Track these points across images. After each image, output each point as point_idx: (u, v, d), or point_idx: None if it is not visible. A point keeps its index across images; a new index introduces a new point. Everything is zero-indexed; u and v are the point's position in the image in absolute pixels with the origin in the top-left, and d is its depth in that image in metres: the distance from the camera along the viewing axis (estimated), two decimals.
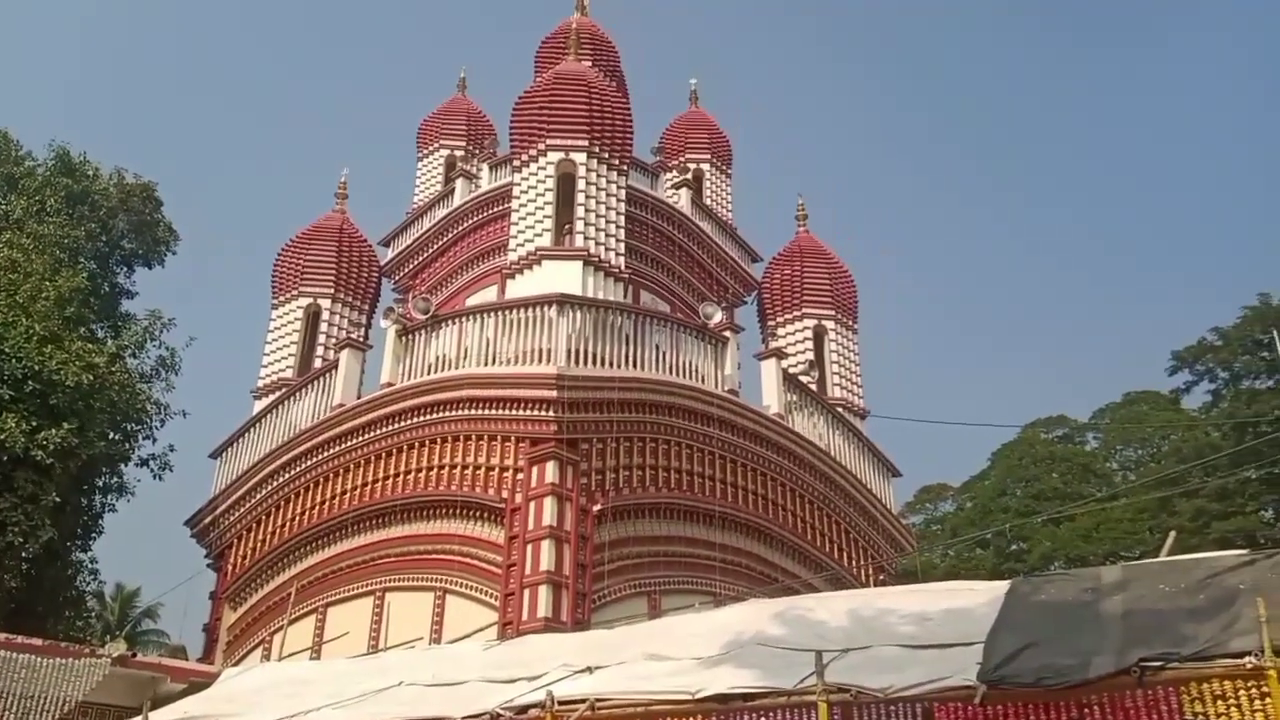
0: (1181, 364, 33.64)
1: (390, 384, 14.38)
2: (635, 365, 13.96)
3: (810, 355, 18.37)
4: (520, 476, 12.95)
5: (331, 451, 14.75)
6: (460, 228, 19.15)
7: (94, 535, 15.78)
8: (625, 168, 16.74)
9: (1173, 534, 10.47)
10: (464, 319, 14.62)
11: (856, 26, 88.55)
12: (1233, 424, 29.61)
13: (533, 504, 12.64)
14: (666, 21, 78.25)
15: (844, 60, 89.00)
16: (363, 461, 14.40)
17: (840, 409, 17.35)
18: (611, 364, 13.80)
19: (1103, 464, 39.59)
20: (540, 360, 13.56)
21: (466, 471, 13.41)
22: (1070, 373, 67.98)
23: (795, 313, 19.06)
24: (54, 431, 12.72)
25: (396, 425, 14.14)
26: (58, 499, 13.04)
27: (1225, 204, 72.87)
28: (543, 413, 13.11)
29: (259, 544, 15.56)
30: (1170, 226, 75.53)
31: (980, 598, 7.26)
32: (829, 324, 18.94)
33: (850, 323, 19.33)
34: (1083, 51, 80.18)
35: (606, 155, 16.23)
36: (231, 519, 16.14)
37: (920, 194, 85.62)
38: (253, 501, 15.81)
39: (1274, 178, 69.66)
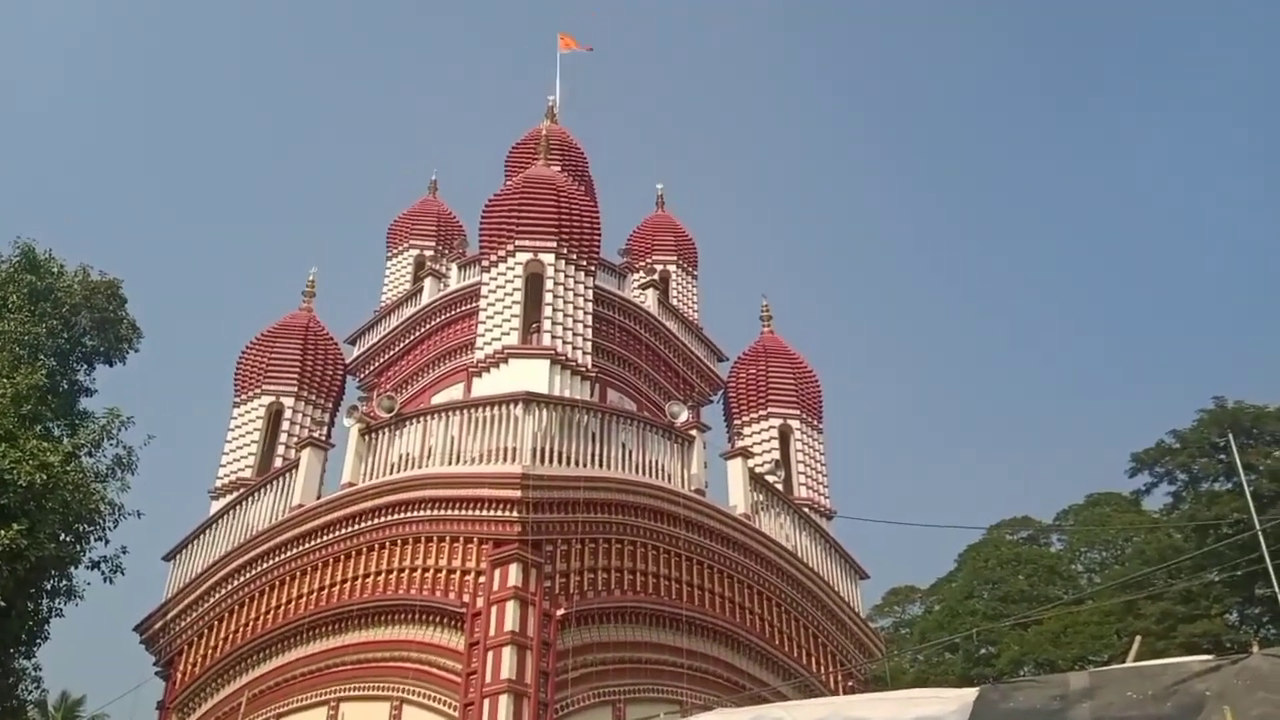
0: (1141, 466, 34.04)
1: (351, 484, 14.15)
2: (601, 464, 13.88)
3: (776, 454, 18.37)
4: (482, 580, 12.68)
5: (288, 554, 14.40)
6: (428, 326, 19.22)
7: (39, 641, 15.15)
8: (593, 268, 16.97)
9: (1138, 638, 10.41)
10: (428, 417, 14.52)
11: (823, 128, 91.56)
12: (1194, 526, 29.85)
13: (494, 608, 12.34)
14: (635, 128, 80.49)
15: (812, 158, 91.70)
16: (320, 565, 14.06)
17: (806, 509, 17.30)
18: (577, 463, 13.70)
19: (1068, 566, 39.64)
20: (505, 459, 13.44)
21: (427, 575, 13.11)
22: (1034, 472, 68.64)
23: (761, 412, 19.14)
24: (2, 533, 12.33)
25: (356, 527, 13.87)
26: (2, 604, 12.55)
27: (1188, 304, 74.98)
28: (506, 513, 12.92)
29: (210, 651, 15.04)
30: (1133, 326, 77.41)
31: (950, 705, 7.14)
32: (794, 423, 19.02)
33: (815, 422, 19.43)
34: (1053, 146, 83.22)
35: (574, 256, 16.46)
36: (182, 624, 15.61)
37: (886, 294, 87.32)
38: (205, 606, 15.34)
39: (1239, 282, 71.93)
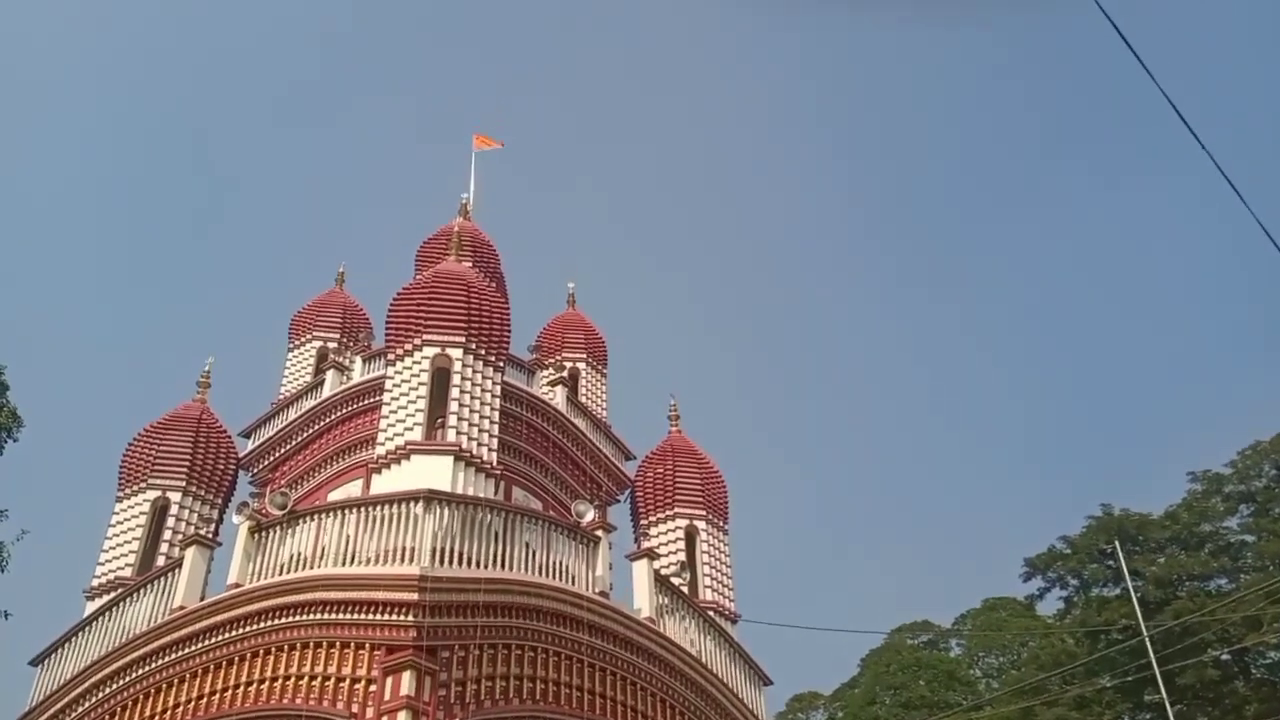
0: (1034, 570, 34.87)
1: (237, 584, 13.42)
2: (504, 565, 13.49)
3: (682, 556, 18.19)
4: (373, 689, 12.05)
5: (167, 659, 13.48)
6: (328, 419, 18.68)
7: None
8: (501, 364, 16.84)
9: None
10: (323, 515, 13.96)
11: (736, 229, 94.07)
12: (1085, 631, 30.52)
13: (385, 719, 11.73)
14: (548, 228, 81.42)
15: (725, 258, 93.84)
16: (201, 671, 13.18)
17: (711, 612, 17.08)
18: (479, 564, 13.30)
19: (966, 671, 39.99)
20: (403, 560, 12.96)
21: (314, 683, 12.37)
22: (934, 576, 69.54)
23: (668, 512, 19.00)
24: None
25: (241, 630, 13.10)
26: None
27: (1076, 411, 78.11)
28: (402, 617, 12.38)
29: None
30: (1027, 434, 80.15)
31: None
32: (701, 524, 18.92)
33: (721, 523, 19.37)
34: (945, 270, 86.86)
35: (483, 351, 16.32)
36: None
37: (790, 401, 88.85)
38: (75, 714, 14.19)
39: (1116, 389, 75.37)
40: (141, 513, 17.25)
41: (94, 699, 14.03)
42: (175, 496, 17.48)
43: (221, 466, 18.34)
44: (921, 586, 70.88)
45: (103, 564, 16.76)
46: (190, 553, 14.40)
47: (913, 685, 37.87)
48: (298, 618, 12.85)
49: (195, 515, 17.49)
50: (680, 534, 18.72)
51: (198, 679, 13.14)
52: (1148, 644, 20.58)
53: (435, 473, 14.50)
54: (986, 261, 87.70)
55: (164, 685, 13.41)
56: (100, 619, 14.94)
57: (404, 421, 15.37)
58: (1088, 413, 78.15)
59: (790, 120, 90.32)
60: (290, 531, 13.82)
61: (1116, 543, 29.44)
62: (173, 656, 13.43)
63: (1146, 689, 28.01)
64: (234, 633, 13.11)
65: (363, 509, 13.76)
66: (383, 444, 15.32)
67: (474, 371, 16.04)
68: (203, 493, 17.84)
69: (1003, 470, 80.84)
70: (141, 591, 14.71)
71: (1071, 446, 77.41)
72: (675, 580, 16.53)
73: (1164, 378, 78.03)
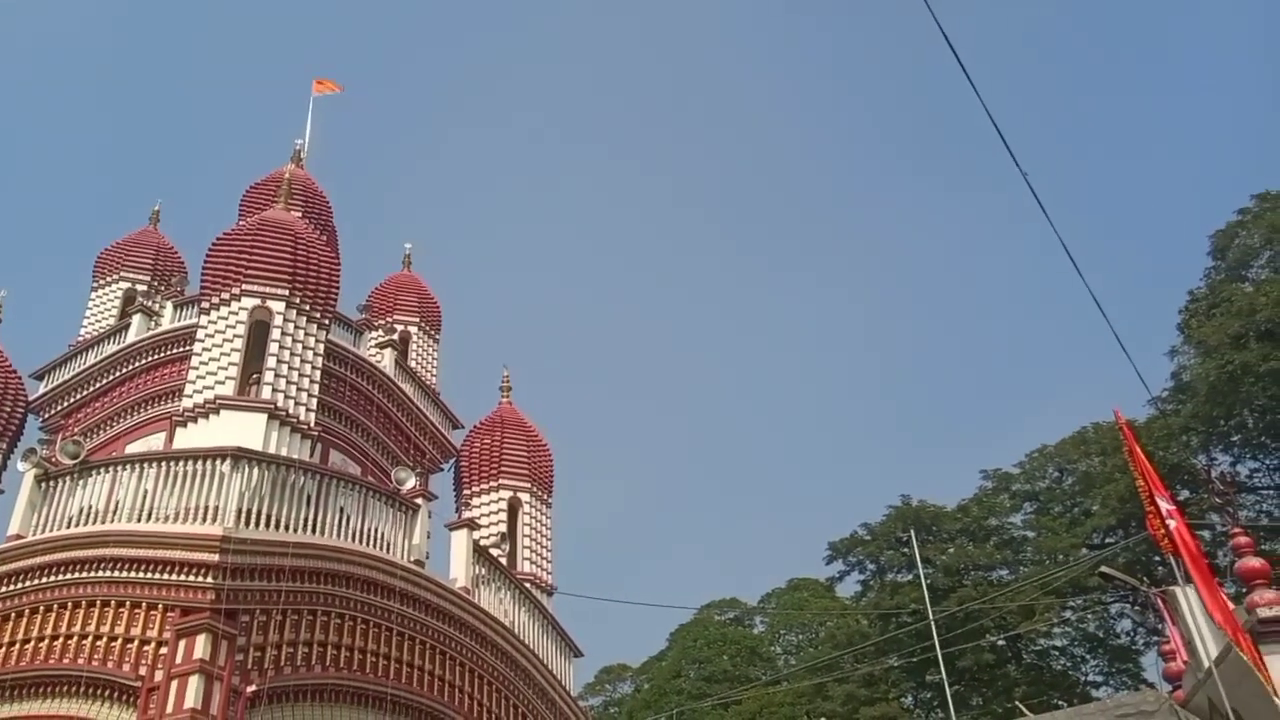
0: (836, 554, 36.69)
1: (19, 536, 12.53)
2: (315, 530, 13.08)
3: (504, 527, 18.12)
4: (164, 651, 11.46)
5: None
6: (131, 366, 17.52)
7: None
8: (327, 322, 16.22)
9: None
10: (119, 467, 13.15)
11: (577, 195, 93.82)
12: (879, 614, 32.35)
13: (175, 683, 11.13)
14: (387, 184, 78.84)
15: (569, 227, 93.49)
16: None
17: (528, 584, 17.12)
18: (288, 527, 12.84)
19: (768, 648, 41.70)
20: (205, 519, 12.38)
21: (99, 643, 11.69)
22: (744, 556, 72.05)
23: (492, 483, 18.84)
24: None
25: (20, 585, 12.21)
26: None
27: (886, 410, 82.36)
28: (200, 579, 11.81)
29: None
30: (841, 424, 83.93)
31: None
32: (524, 495, 18.88)
33: (546, 496, 19.39)
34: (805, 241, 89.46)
35: (307, 307, 15.67)
36: None
37: (624, 372, 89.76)
38: None
39: (923, 391, 79.93)
40: None
41: None
42: None
43: (8, 408, 16.90)
44: (736, 566, 73.38)
45: None
46: None
47: (717, 660, 39.20)
48: (85, 574, 12.13)
49: None
50: (504, 505, 18.64)
51: None
52: (933, 628, 21.99)
53: (246, 430, 13.88)
54: (834, 258, 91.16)
55: None
56: None
57: (215, 374, 14.62)
58: (897, 409, 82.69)
59: (644, 104, 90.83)
60: (82, 482, 12.97)
61: (912, 531, 31.31)
62: None
63: (929, 670, 29.95)
64: (13, 587, 12.28)
65: (164, 463, 13.06)
66: (190, 396, 14.53)
67: (296, 327, 15.38)
68: None
69: (822, 457, 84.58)
70: None
71: (881, 440, 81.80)
72: (494, 551, 16.46)
73: (974, 378, 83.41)
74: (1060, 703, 27.43)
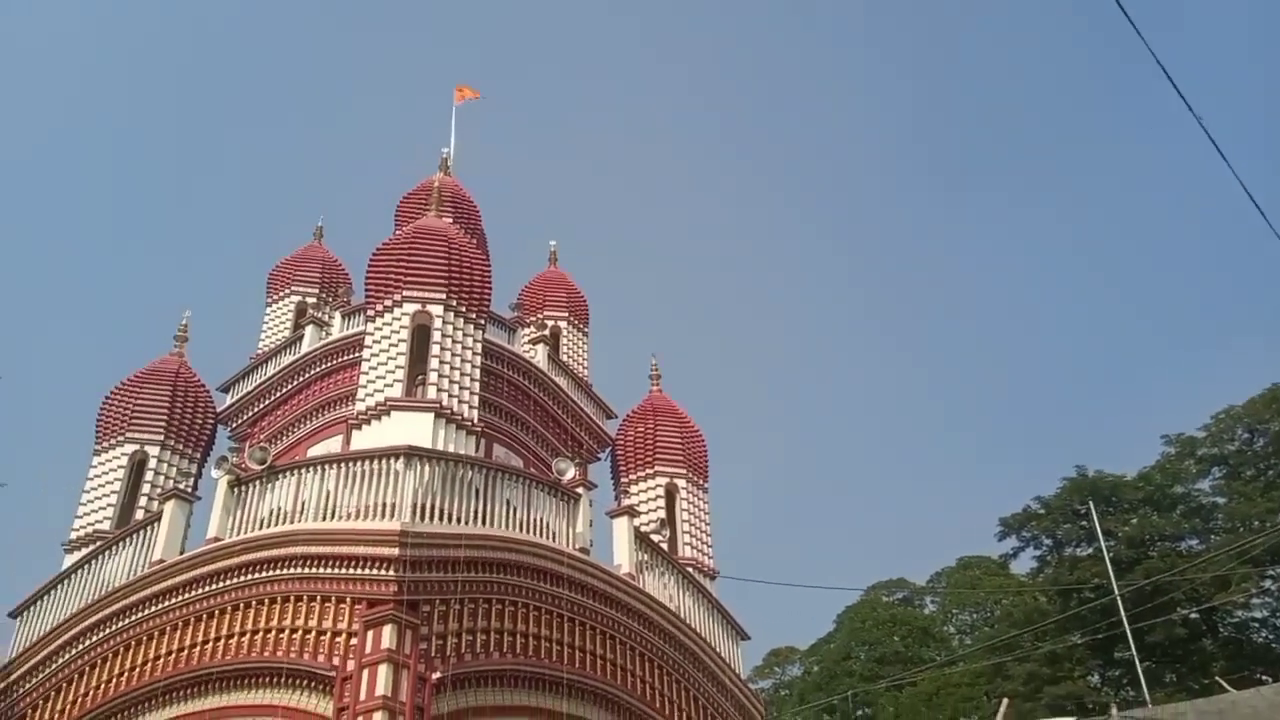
0: (1009, 530, 35.32)
1: (217, 539, 13.41)
2: (485, 521, 13.53)
3: (662, 514, 18.31)
4: (354, 642, 12.09)
5: (146, 612, 13.50)
6: (307, 375, 18.58)
7: None
8: (482, 322, 16.76)
9: (1006, 700, 10.67)
10: (303, 470, 13.93)
11: (719, 189, 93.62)
12: (1058, 590, 30.99)
13: (366, 672, 11.75)
14: (531, 184, 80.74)
15: (709, 219, 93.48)
16: (180, 624, 13.21)
17: (690, 569, 17.22)
18: (460, 520, 13.33)
19: (940, 628, 40.63)
20: (383, 515, 12.98)
21: (295, 636, 12.43)
22: (911, 534, 70.33)
23: (648, 470, 19.07)
24: None
25: (220, 584, 13.11)
26: None
27: (1054, 377, 78.77)
28: (383, 572, 12.43)
29: (58, 715, 13.88)
30: (1005, 399, 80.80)
31: None
32: (680, 482, 19.01)
33: (701, 481, 19.47)
34: (938, 234, 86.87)
35: (463, 309, 16.23)
36: (28, 686, 14.38)
37: (776, 360, 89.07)
38: (54, 666, 14.19)
39: (1093, 355, 75.99)
40: (119, 466, 17.17)
41: (73, 651, 14.04)
42: (153, 450, 17.41)
43: (200, 420, 18.26)
44: (899, 546, 71.74)
45: (81, 517, 16.70)
46: (169, 506, 14.36)
47: (887, 641, 38.45)
48: (278, 572, 12.87)
49: (174, 469, 17.45)
50: (660, 492, 18.82)
51: (178, 632, 13.17)
52: (1119, 602, 20.95)
53: (416, 429, 14.47)
54: (976, 244, 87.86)
55: (144, 638, 13.43)
56: (79, 572, 14.92)
57: (384, 378, 15.31)
58: (1069, 380, 78.85)
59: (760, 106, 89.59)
60: (270, 486, 13.79)
61: (1090, 503, 29.84)
62: (152, 610, 13.44)
63: (1117, 646, 28.54)
64: (214, 586, 13.12)
65: (343, 464, 13.74)
66: (363, 400, 15.26)
67: (454, 329, 15.96)
68: (181, 447, 17.78)
69: (986, 434, 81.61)
70: (120, 545, 14.68)
71: (1050, 412, 78.20)
72: (655, 537, 16.65)
73: (1146, 347, 78.74)
74: (1265, 678, 25.60)
